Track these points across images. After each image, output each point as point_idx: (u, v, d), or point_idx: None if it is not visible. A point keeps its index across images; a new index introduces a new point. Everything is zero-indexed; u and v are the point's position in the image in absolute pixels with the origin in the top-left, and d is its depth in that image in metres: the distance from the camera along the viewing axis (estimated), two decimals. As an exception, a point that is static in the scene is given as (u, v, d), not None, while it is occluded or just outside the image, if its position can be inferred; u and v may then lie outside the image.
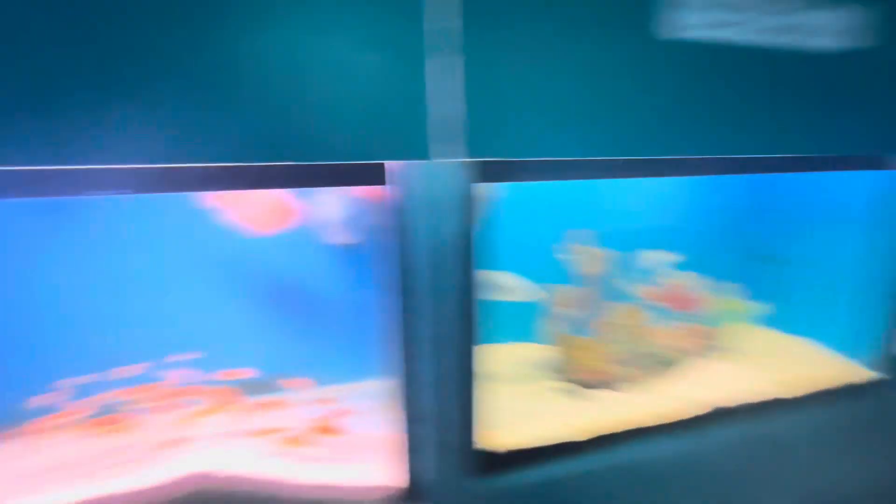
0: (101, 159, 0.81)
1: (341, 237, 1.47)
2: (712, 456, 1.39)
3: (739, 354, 1.71)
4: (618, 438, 1.33)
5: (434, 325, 1.08)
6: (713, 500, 1.40)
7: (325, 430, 1.27)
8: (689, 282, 1.74)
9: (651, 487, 1.33)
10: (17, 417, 1.25)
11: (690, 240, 1.78)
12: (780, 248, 1.83)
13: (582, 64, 1.03)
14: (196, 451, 1.18)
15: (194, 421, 1.29)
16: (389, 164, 1.00)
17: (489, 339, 1.14)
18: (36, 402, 1.25)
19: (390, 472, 1.15)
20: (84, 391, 1.28)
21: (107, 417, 1.29)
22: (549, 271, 1.63)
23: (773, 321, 1.84)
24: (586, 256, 1.63)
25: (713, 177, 1.75)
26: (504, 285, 1.57)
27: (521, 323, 1.63)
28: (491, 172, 1.06)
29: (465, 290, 1.08)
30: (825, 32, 1.18)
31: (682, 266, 1.74)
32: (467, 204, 1.05)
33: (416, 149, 0.95)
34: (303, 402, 1.38)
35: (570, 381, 1.55)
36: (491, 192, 1.10)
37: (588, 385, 1.53)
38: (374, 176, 0.99)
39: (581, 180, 1.19)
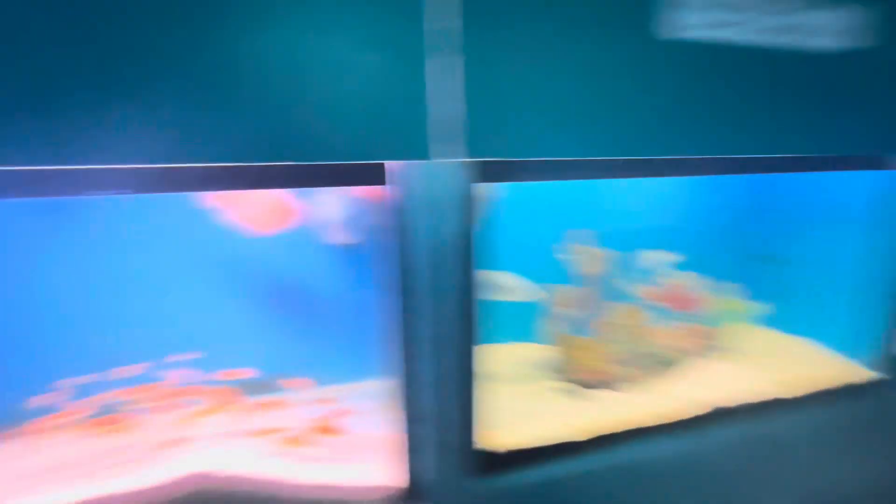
0: (101, 159, 0.81)
1: (341, 237, 1.47)
2: (712, 456, 1.39)
3: (739, 354, 1.71)
4: (618, 438, 1.33)
5: (434, 325, 1.08)
6: (713, 501, 1.40)
7: (325, 430, 1.27)
8: (689, 282, 1.74)
9: (651, 487, 1.33)
10: (18, 417, 1.25)
11: (690, 240, 1.78)
12: (781, 248, 1.83)
13: (582, 64, 1.03)
14: (196, 451, 1.18)
15: (194, 421, 1.29)
16: (389, 164, 1.00)
17: (489, 339, 1.14)
18: (36, 401, 1.25)
19: (390, 472, 1.15)
20: (84, 391, 1.28)
21: (107, 417, 1.29)
22: (549, 271, 1.63)
23: (773, 321, 1.84)
24: (586, 256, 1.63)
25: (713, 177, 1.75)
26: (504, 285, 1.57)
27: (521, 323, 1.63)
28: (491, 172, 1.06)
29: (465, 290, 1.08)
30: (825, 32, 1.18)
31: (682, 266, 1.74)
32: (467, 204, 1.05)
33: (416, 149, 0.95)
34: (303, 402, 1.38)
35: (570, 381, 1.55)
36: (491, 192, 1.10)
37: (588, 385, 1.53)
38: (374, 176, 0.99)
39: (581, 180, 1.19)
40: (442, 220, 1.04)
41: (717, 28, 1.09)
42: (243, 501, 1.08)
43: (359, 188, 1.42)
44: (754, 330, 1.83)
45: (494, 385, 1.18)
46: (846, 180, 1.60)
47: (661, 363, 1.62)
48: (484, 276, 1.10)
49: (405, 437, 1.13)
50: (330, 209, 1.44)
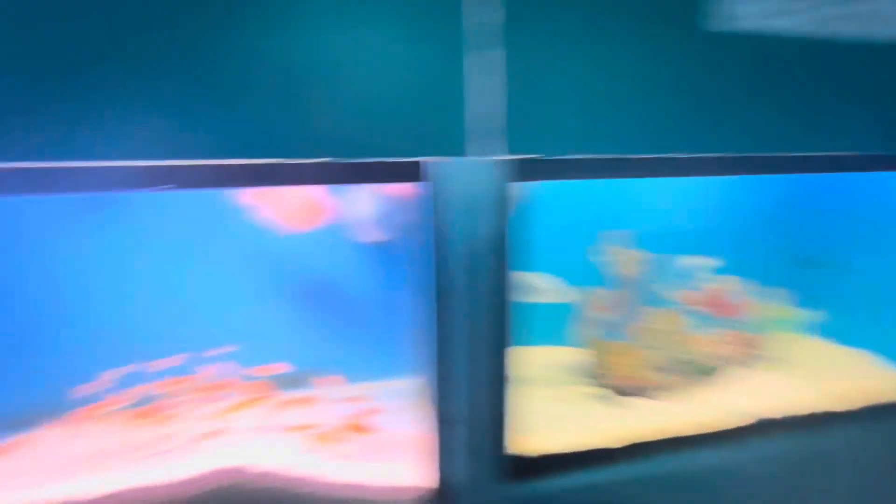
0: (143, 155, 0.83)
1: (373, 235, 1.47)
2: (755, 469, 1.32)
3: (786, 365, 1.63)
4: (654, 447, 1.28)
5: (468, 326, 1.06)
6: (755, 517, 1.34)
7: (357, 428, 1.27)
8: (732, 286, 1.67)
9: (688, 499, 1.28)
10: (63, 406, 1.29)
11: (733, 242, 1.71)
12: (831, 252, 1.73)
13: (627, 56, 1.00)
14: (230, 445, 1.20)
15: (229, 415, 1.31)
16: (425, 161, 0.99)
17: (522, 342, 1.12)
18: (80, 391, 1.29)
19: (420, 472, 1.14)
20: (124, 382, 1.31)
21: (144, 408, 1.32)
22: (584, 273, 1.60)
23: (823, 330, 1.75)
24: (623, 258, 1.59)
25: (760, 176, 1.68)
26: (537, 287, 1.54)
27: (554, 326, 1.60)
28: (529, 170, 1.03)
29: (500, 291, 1.06)
30: (890, 21, 1.11)
31: (723, 270, 1.67)
32: (503, 203, 1.03)
33: (452, 145, 0.93)
34: (335, 399, 1.39)
35: (603, 386, 1.50)
36: (526, 190, 1.08)
37: (623, 391, 1.49)
38: (409, 173, 0.98)
39: (620, 179, 1.15)
40: (477, 219, 1.02)
41: (773, 18, 1.04)
42: (274, 497, 1.09)
43: (392, 186, 1.42)
44: (802, 339, 1.74)
45: (527, 388, 1.16)
46: (906, 181, 1.51)
47: (702, 371, 1.56)
48: (519, 276, 1.08)
49: (436, 438, 1.12)
50: (363, 207, 1.45)
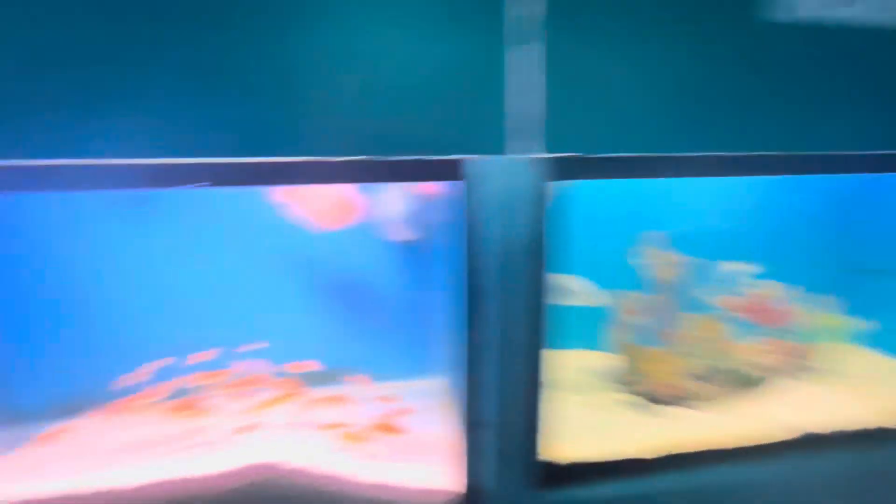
0: (181, 153, 0.84)
1: (405, 233, 1.46)
2: (800, 487, 1.26)
3: (835, 376, 1.54)
4: (691, 459, 1.23)
5: (500, 327, 1.04)
6: (800, 536, 1.27)
7: (386, 428, 1.27)
8: (775, 292, 1.59)
9: (727, 515, 1.22)
10: (103, 397, 1.34)
11: (778, 246, 1.63)
12: (885, 257, 1.63)
13: (673, 50, 0.95)
14: (262, 440, 1.21)
15: (261, 410, 1.32)
16: (464, 160, 0.97)
17: (554, 345, 1.09)
18: (120, 382, 1.33)
19: (448, 476, 1.12)
20: (160, 375, 1.35)
21: (179, 401, 1.35)
22: (620, 276, 1.55)
23: (875, 341, 1.65)
24: (661, 261, 1.53)
25: (808, 176, 1.59)
26: (571, 289, 1.50)
27: (587, 330, 1.55)
28: (567, 169, 1.00)
29: (535, 293, 1.03)
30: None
31: (767, 275, 1.59)
32: (541, 202, 1.00)
33: (491, 143, 0.91)
34: (365, 398, 1.39)
35: (637, 393, 1.46)
36: (563, 189, 1.04)
37: (658, 399, 1.43)
38: (448, 171, 0.96)
39: (661, 178, 1.11)
40: (513, 219, 0.99)
41: (833, 7, 0.97)
42: (304, 495, 1.10)
43: (424, 184, 1.41)
44: (853, 350, 1.64)
45: (558, 393, 1.13)
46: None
47: (744, 381, 1.49)
48: (554, 278, 1.05)
49: (465, 441, 1.10)
50: (394, 205, 1.44)
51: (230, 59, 0.82)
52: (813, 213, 1.68)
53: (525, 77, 0.90)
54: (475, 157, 0.95)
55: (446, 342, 1.09)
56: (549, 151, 0.94)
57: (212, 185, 0.89)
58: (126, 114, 0.81)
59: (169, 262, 1.38)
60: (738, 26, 0.97)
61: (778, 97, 1.02)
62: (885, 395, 1.42)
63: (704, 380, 1.48)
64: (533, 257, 1.01)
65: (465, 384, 1.08)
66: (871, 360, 1.62)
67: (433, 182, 0.97)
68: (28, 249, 1.33)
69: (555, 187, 1.01)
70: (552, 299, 1.06)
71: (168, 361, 1.34)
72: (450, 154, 0.93)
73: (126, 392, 1.32)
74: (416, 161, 0.93)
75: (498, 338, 1.05)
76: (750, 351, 1.54)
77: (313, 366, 1.43)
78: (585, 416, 1.34)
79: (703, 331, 1.52)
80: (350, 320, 1.52)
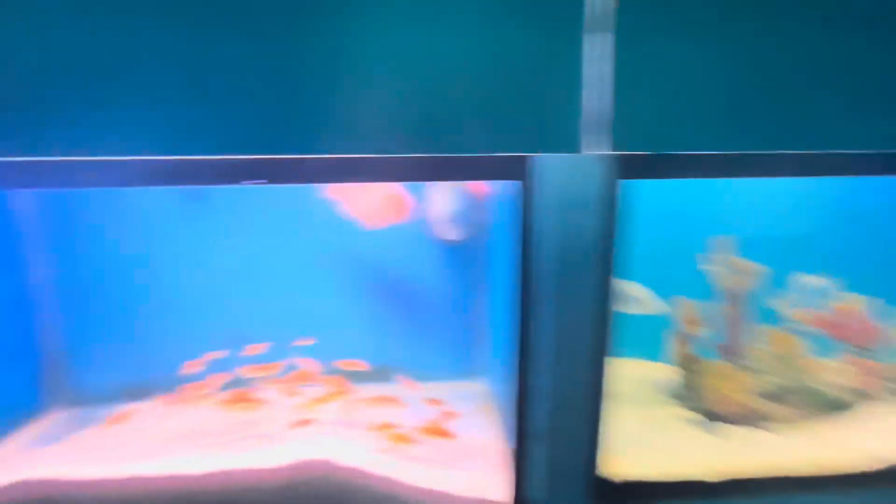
0: (239, 150, 0.85)
1: (457, 233, 1.44)
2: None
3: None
4: (761, 485, 1.14)
5: (557, 333, 0.99)
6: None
7: (435, 431, 1.25)
8: (859, 307, 1.44)
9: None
10: (165, 384, 1.39)
11: (861, 255, 1.47)
12: None
13: (752, 45, 0.87)
14: (312, 437, 1.22)
15: (312, 407, 1.34)
16: (530, 157, 0.93)
17: (613, 355, 1.03)
18: (181, 370, 1.38)
19: (496, 485, 1.09)
20: (216, 366, 1.39)
21: (235, 392, 1.39)
22: (684, 282, 1.45)
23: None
24: (731, 269, 1.42)
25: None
26: (631, 295, 1.42)
27: (646, 339, 1.47)
28: (638, 167, 0.94)
29: (598, 298, 0.98)
30: None
31: (849, 287, 1.44)
32: (611, 202, 0.94)
33: (565, 141, 0.86)
34: (415, 400, 1.38)
35: (698, 410, 1.36)
36: (631, 190, 0.98)
37: (723, 418, 1.34)
38: (511, 169, 0.92)
39: (735, 178, 1.02)
40: (578, 220, 0.94)
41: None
42: (351, 494, 1.09)
43: (476, 183, 1.38)
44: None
45: (614, 405, 1.07)
46: None
47: (824, 403, 1.36)
48: (617, 283, 0.99)
49: (515, 450, 1.06)
50: (446, 204, 1.42)
51: (293, 58, 0.82)
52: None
53: (598, 71, 0.84)
54: (542, 154, 0.91)
55: (495, 345, 1.06)
56: (618, 149, 0.87)
57: (269, 181, 0.89)
58: (189, 112, 0.82)
59: (225, 255, 1.42)
60: (818, 19, 0.88)
61: (864, 93, 0.92)
62: None
63: (777, 399, 1.36)
64: (598, 260, 0.96)
65: (517, 391, 1.04)
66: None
67: (495, 180, 0.93)
68: (98, 242, 1.41)
69: (623, 186, 0.95)
70: (616, 305, 1.00)
71: (223, 353, 1.38)
72: (521, 151, 0.88)
73: (186, 379, 1.37)
74: (477, 159, 0.90)
75: (554, 344, 1.00)
76: (830, 370, 1.40)
77: (361, 364, 1.43)
78: (643, 431, 1.27)
79: (777, 346, 1.40)
80: (398, 319, 1.51)
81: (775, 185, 1.42)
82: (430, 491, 1.08)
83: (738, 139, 0.92)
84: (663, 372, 1.46)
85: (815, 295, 1.45)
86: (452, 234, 1.44)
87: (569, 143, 0.87)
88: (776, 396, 1.37)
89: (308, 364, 1.41)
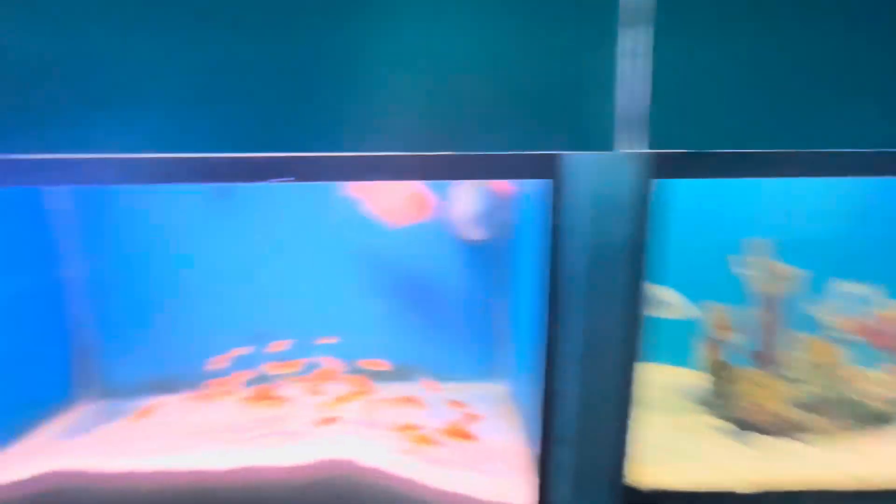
0: (267, 148, 0.84)
1: (481, 232, 1.42)
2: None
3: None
4: (796, 499, 1.09)
5: (585, 336, 0.96)
6: None
7: (458, 433, 1.24)
8: (904, 314, 1.38)
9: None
10: (190, 378, 1.41)
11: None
12: None
13: (799, 40, 0.83)
14: (335, 436, 1.22)
15: (335, 406, 1.34)
16: (561, 155, 0.90)
17: (642, 360, 1.00)
18: (207, 365, 1.40)
19: (519, 490, 1.07)
20: (240, 363, 1.40)
21: (259, 388, 1.40)
22: (717, 286, 1.41)
23: None
24: (767, 273, 1.37)
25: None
26: (662, 299, 1.38)
27: (676, 344, 1.43)
28: (673, 166, 0.90)
29: (629, 301, 0.94)
30: None
31: (894, 294, 1.38)
32: (644, 202, 0.91)
33: (599, 138, 0.83)
34: (437, 401, 1.37)
35: (734, 420, 1.31)
36: (665, 189, 0.94)
37: (754, 427, 1.29)
38: (541, 168, 0.89)
39: (772, 178, 0.98)
40: (609, 220, 0.91)
41: None
42: (373, 494, 1.09)
43: (501, 182, 1.36)
44: None
45: (643, 412, 1.03)
46: None
47: (864, 415, 1.30)
48: (648, 287, 0.96)
49: (539, 455, 1.04)
50: (470, 203, 1.40)
51: (319, 54, 0.81)
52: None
53: (634, 66, 0.82)
54: (574, 152, 0.88)
55: (518, 347, 1.03)
56: (653, 147, 0.84)
57: (296, 179, 0.89)
58: (217, 111, 0.82)
59: (250, 253, 1.43)
60: (870, 13, 0.83)
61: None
62: None
63: (813, 410, 1.30)
64: (629, 262, 0.93)
65: (543, 394, 1.02)
66: None
67: (525, 179, 0.90)
68: (129, 239, 1.43)
69: (657, 185, 0.91)
70: (647, 309, 0.97)
71: (248, 350, 1.39)
72: (554, 149, 0.86)
73: (212, 375, 1.39)
74: (507, 157, 0.87)
75: (582, 347, 0.97)
76: (873, 381, 1.34)
77: (383, 364, 1.42)
78: (672, 439, 1.23)
79: (815, 354, 1.34)
80: (419, 319, 1.50)
81: (816, 185, 1.36)
82: (452, 494, 1.07)
83: (780, 137, 0.88)
84: (693, 378, 1.42)
85: (857, 302, 1.39)
86: (475, 233, 1.42)
87: (602, 141, 0.84)
88: (813, 407, 1.31)
89: (331, 363, 1.41)
